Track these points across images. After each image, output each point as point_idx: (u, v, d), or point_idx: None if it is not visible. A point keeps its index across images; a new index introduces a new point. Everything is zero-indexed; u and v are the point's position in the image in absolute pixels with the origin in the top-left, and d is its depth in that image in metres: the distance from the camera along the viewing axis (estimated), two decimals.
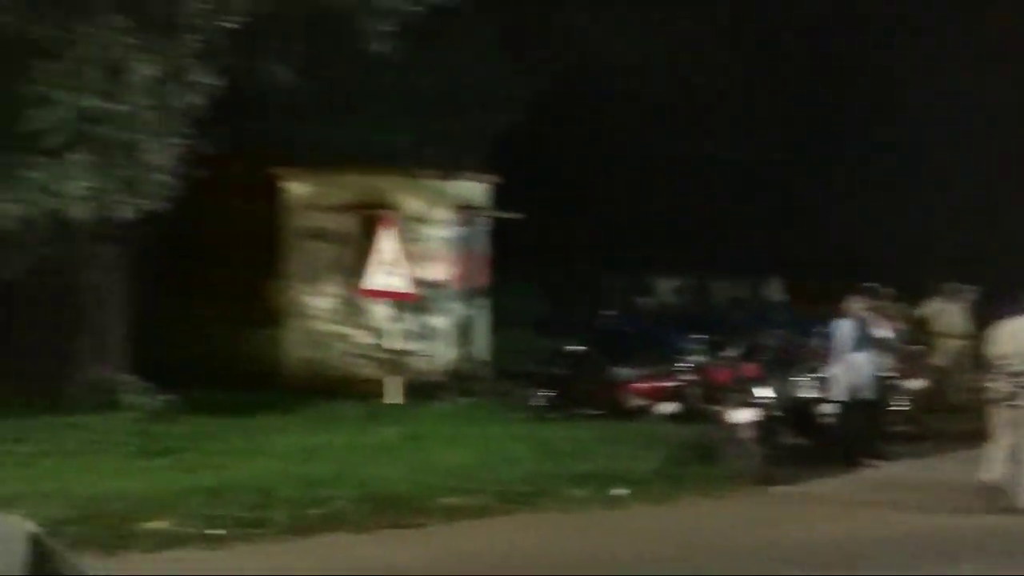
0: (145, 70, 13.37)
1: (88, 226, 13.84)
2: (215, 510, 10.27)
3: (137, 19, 13.67)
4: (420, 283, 16.11)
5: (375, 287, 15.80)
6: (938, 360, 17.16)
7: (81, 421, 13.84)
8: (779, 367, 14.25)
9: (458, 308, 17.47)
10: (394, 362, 16.00)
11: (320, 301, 17.31)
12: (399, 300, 16.00)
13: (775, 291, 23.03)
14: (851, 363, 13.58)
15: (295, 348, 17.30)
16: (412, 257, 16.04)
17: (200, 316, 17.68)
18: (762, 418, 12.74)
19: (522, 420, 14.77)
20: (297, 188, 17.47)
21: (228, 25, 13.62)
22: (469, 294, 17.77)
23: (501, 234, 18.45)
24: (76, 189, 13.45)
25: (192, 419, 13.93)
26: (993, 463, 11.33)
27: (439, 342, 17.06)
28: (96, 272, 15.52)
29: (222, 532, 9.99)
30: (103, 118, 13.52)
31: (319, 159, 17.18)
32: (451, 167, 17.80)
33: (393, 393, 15.71)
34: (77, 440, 13.20)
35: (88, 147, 13.72)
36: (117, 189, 13.53)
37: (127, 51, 13.52)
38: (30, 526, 2.38)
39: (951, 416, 15.59)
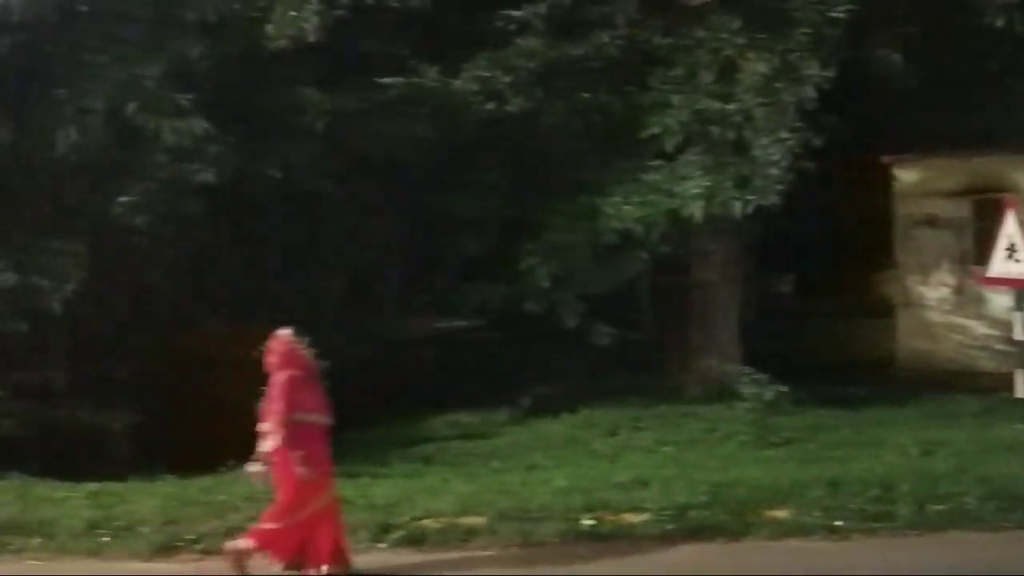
0: (756, 68, 13.64)
1: (702, 224, 14.37)
2: (835, 501, 10.24)
3: (746, 18, 13.99)
4: None
5: (996, 275, 14.95)
6: None
7: (697, 410, 14.39)
8: None
9: None
10: (1019, 354, 15.04)
11: (933, 291, 16.74)
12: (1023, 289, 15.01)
13: None
14: None
15: (908, 340, 16.86)
16: None
17: (809, 307, 17.76)
18: None
19: None
20: (908, 175, 17.00)
21: (836, 15, 13.54)
22: None
23: None
24: (690, 189, 14.02)
25: (805, 410, 13.98)
26: None
27: None
28: (709, 267, 16.09)
29: (843, 524, 9.98)
30: (716, 118, 14.00)
31: (931, 144, 16.60)
32: None
33: (1021, 387, 14.78)
34: (694, 428, 13.74)
35: (701, 147, 14.28)
36: (729, 187, 13.93)
37: (738, 51, 13.88)
38: None
39: None
